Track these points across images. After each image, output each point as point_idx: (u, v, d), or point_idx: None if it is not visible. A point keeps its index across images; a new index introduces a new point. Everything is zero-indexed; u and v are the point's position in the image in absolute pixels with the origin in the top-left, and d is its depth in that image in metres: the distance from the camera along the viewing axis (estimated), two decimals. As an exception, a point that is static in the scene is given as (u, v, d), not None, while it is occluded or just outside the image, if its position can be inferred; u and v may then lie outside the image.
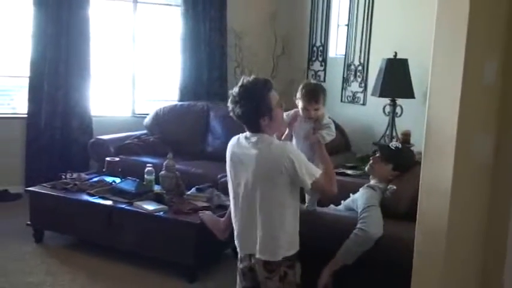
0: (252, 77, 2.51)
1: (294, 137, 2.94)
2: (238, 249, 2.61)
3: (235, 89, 2.48)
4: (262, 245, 2.46)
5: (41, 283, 3.53)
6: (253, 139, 2.48)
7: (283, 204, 2.44)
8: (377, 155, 3.06)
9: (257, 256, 2.48)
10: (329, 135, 2.83)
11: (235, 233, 2.61)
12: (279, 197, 2.43)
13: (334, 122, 2.94)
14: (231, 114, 2.52)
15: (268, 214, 2.44)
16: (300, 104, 2.88)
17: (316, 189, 2.53)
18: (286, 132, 2.93)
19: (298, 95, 2.88)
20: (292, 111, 2.94)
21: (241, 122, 2.51)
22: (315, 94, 2.85)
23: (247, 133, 2.53)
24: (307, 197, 2.91)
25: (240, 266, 2.61)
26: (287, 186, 2.44)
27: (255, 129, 2.48)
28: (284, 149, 2.45)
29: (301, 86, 2.91)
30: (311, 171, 2.47)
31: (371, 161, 3.04)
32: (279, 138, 2.70)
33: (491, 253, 2.28)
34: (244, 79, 2.49)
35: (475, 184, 2.21)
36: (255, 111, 2.45)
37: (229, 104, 2.50)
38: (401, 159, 2.97)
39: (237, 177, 2.53)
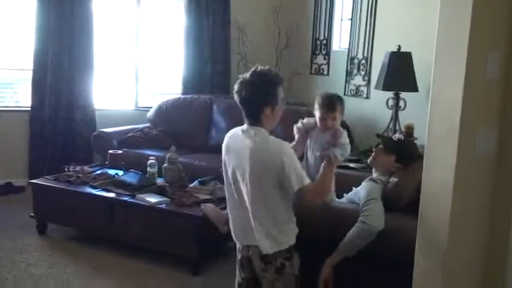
0: (267, 67, 2.49)
1: (308, 146, 2.93)
2: (235, 240, 2.60)
3: (247, 74, 2.45)
4: (255, 237, 2.44)
5: (44, 275, 3.54)
6: (251, 132, 2.44)
7: (273, 198, 2.41)
8: (379, 147, 3.05)
9: (251, 248, 2.47)
10: (342, 155, 2.76)
11: (230, 224, 2.60)
12: (270, 190, 2.40)
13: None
14: (235, 97, 2.46)
15: (258, 206, 2.41)
16: (317, 114, 2.88)
17: (301, 196, 2.45)
18: (296, 140, 2.91)
19: (316, 105, 2.88)
20: (313, 119, 2.94)
21: (244, 107, 2.46)
22: (332, 103, 2.86)
23: (245, 126, 2.50)
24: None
25: (238, 256, 2.60)
26: (277, 181, 2.39)
27: (255, 118, 2.45)
28: (279, 148, 2.39)
29: (318, 97, 2.92)
30: (301, 177, 2.40)
31: (373, 153, 3.03)
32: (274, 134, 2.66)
33: (495, 244, 2.27)
34: (258, 67, 2.47)
35: (478, 177, 2.20)
36: (261, 98, 2.42)
37: (236, 86, 2.45)
38: (403, 151, 2.96)
39: (231, 169, 2.51)
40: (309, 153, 2.96)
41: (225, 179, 2.60)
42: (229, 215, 2.60)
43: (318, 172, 2.65)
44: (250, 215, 2.44)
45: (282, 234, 2.45)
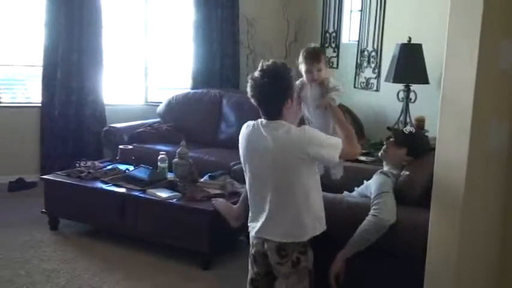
0: (271, 60, 2.46)
1: (304, 109, 2.96)
2: (253, 233, 2.57)
3: (256, 73, 2.42)
4: (286, 228, 2.44)
5: (56, 270, 3.56)
6: (272, 125, 2.43)
7: (306, 188, 2.43)
8: (390, 140, 3.03)
9: (277, 239, 2.45)
10: (339, 96, 2.88)
11: (252, 217, 2.57)
12: (301, 181, 2.41)
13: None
14: (252, 99, 2.45)
15: (292, 197, 2.41)
16: (302, 68, 2.93)
17: (342, 157, 2.54)
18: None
19: (300, 59, 2.94)
20: (297, 81, 2.90)
21: (263, 106, 2.45)
22: (315, 54, 2.92)
23: (263, 120, 2.47)
24: (331, 169, 2.99)
25: (252, 251, 2.59)
26: (308, 170, 2.41)
27: (275, 113, 2.43)
28: (303, 135, 2.40)
29: (301, 51, 2.96)
30: (335, 145, 2.45)
31: (384, 146, 3.01)
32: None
33: (508, 239, 2.25)
34: (264, 63, 2.44)
35: (490, 170, 2.18)
36: (280, 94, 2.41)
37: (249, 89, 2.44)
38: (415, 144, 2.94)
39: (253, 165, 2.50)
40: (307, 113, 3.01)
41: (246, 174, 2.57)
42: (252, 209, 2.58)
43: (324, 125, 2.82)
44: (283, 207, 2.44)
45: (315, 221, 2.47)
